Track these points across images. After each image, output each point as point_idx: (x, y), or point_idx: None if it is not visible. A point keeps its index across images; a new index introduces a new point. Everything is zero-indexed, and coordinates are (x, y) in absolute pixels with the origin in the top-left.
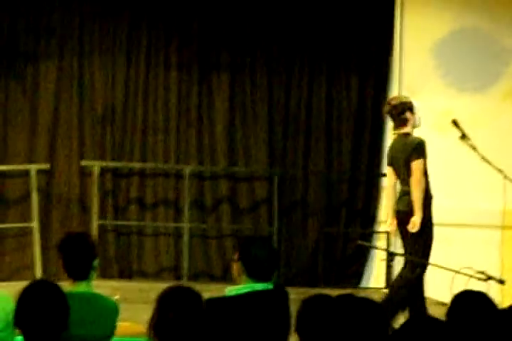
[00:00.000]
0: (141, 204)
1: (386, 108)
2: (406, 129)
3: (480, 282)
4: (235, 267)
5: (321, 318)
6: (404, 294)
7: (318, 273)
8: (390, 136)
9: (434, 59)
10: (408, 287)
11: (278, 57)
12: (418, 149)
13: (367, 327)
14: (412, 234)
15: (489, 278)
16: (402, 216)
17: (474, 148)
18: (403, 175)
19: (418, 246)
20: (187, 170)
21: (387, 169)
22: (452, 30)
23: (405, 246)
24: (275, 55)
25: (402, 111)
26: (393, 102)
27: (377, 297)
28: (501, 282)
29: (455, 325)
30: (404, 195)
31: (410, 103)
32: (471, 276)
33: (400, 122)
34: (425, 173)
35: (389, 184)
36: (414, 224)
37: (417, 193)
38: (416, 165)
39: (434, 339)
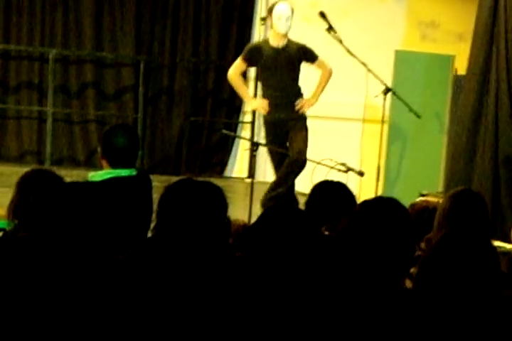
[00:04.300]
0: (3, 87)
1: None
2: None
3: (340, 173)
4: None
5: (181, 202)
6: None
7: (182, 161)
8: (258, 27)
9: None
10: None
11: None
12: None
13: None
14: None
15: (349, 169)
16: None
17: (340, 41)
18: None
19: None
20: (52, 53)
21: None
22: None
23: None
24: None
25: (267, 14)
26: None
27: (239, 186)
28: (360, 174)
29: (313, 212)
30: None
31: (273, 5)
32: (331, 168)
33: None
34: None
35: None
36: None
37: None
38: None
39: (291, 226)
